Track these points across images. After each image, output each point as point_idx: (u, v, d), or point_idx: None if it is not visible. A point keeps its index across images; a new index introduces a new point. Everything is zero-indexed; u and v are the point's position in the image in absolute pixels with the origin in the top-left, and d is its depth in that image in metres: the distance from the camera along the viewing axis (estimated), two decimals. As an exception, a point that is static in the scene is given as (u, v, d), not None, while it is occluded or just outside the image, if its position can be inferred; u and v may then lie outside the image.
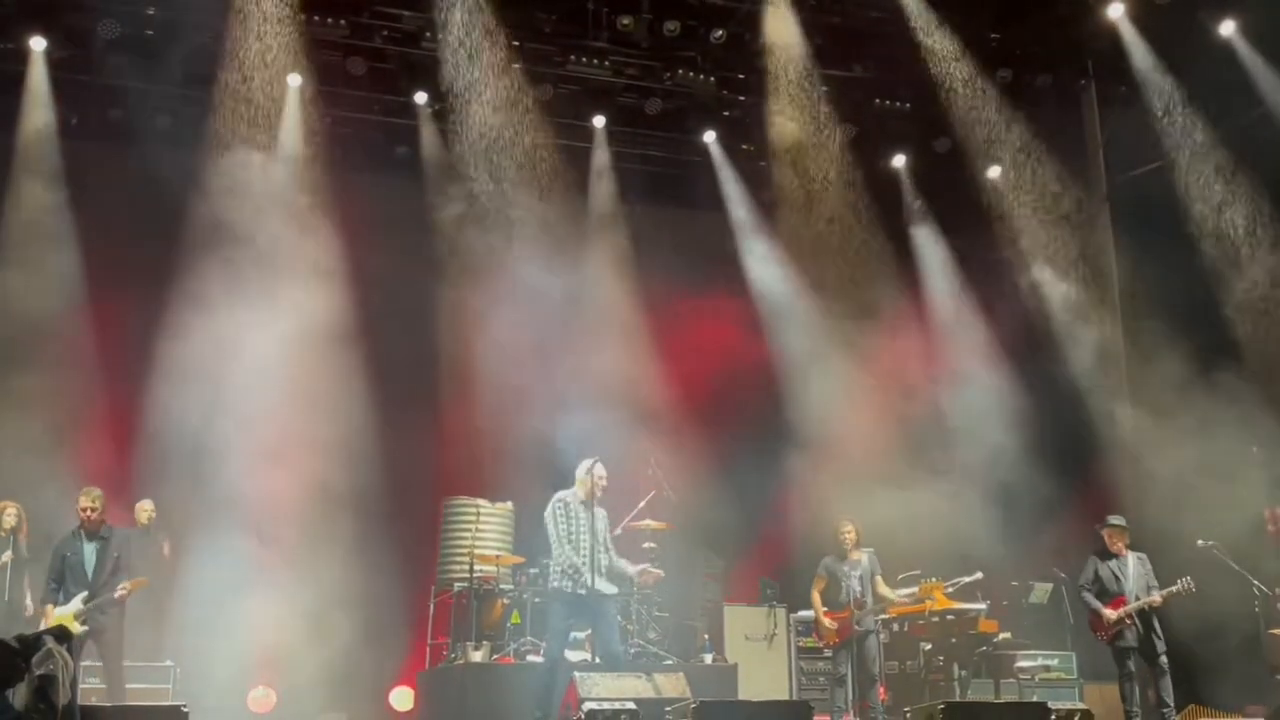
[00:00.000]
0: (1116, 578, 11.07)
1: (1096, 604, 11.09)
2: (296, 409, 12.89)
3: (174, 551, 12.32)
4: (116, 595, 10.17)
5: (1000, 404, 14.49)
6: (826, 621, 11.49)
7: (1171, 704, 10.83)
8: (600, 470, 10.13)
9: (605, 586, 9.97)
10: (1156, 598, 10.94)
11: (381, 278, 13.82)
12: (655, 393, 13.81)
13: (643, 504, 12.54)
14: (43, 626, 9.87)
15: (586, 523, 10.01)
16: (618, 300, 14.45)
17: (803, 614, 13.02)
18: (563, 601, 9.94)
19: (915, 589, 12.00)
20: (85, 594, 10.09)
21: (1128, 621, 10.94)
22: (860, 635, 11.32)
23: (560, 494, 10.15)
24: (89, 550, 10.26)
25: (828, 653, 12.30)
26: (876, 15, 14.23)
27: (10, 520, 11.10)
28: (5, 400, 12.11)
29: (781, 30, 13.97)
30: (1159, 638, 10.94)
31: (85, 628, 9.89)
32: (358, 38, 13.73)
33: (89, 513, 10.29)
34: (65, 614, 9.91)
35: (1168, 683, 10.87)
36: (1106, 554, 11.20)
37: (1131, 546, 11.27)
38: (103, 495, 10.45)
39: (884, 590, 11.68)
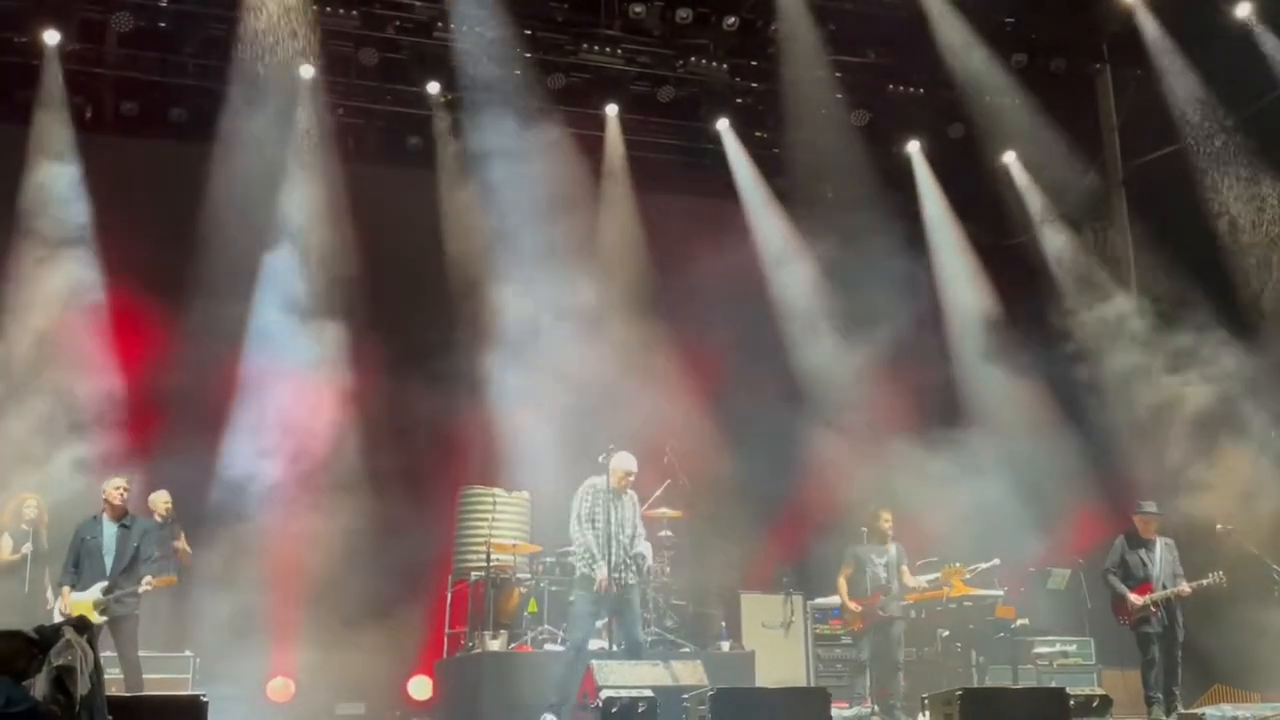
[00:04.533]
0: (1144, 564, 11.00)
1: (1122, 588, 10.99)
2: (310, 398, 12.95)
3: (190, 542, 12.34)
4: (140, 589, 10.10)
5: (1016, 389, 14.45)
6: (852, 606, 11.50)
7: (1179, 693, 10.82)
8: (615, 462, 10.15)
9: (628, 576, 9.99)
10: (1186, 588, 10.86)
11: (395, 268, 13.84)
12: (669, 380, 13.80)
13: (658, 493, 12.54)
14: (59, 608, 9.92)
15: (604, 512, 10.05)
16: (631, 289, 14.42)
17: (820, 601, 13.02)
18: (587, 589, 9.96)
19: (938, 575, 12.01)
20: (105, 584, 10.04)
21: (1153, 609, 10.87)
22: (884, 622, 11.32)
23: (592, 479, 10.24)
24: (109, 537, 10.18)
25: (846, 640, 12.32)
26: (889, 0, 14.18)
27: (30, 512, 11.16)
28: (23, 390, 12.17)
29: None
30: (1181, 628, 10.89)
31: (104, 618, 9.88)
32: (369, 28, 13.75)
33: (123, 492, 10.25)
34: (83, 601, 9.90)
35: (1179, 674, 10.86)
36: (1135, 539, 11.14)
37: (1161, 532, 11.22)
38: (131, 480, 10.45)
39: (909, 579, 11.69)
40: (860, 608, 11.44)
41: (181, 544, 12.18)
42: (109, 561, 10.13)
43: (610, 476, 10.17)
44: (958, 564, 12.02)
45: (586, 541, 10.01)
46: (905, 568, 11.65)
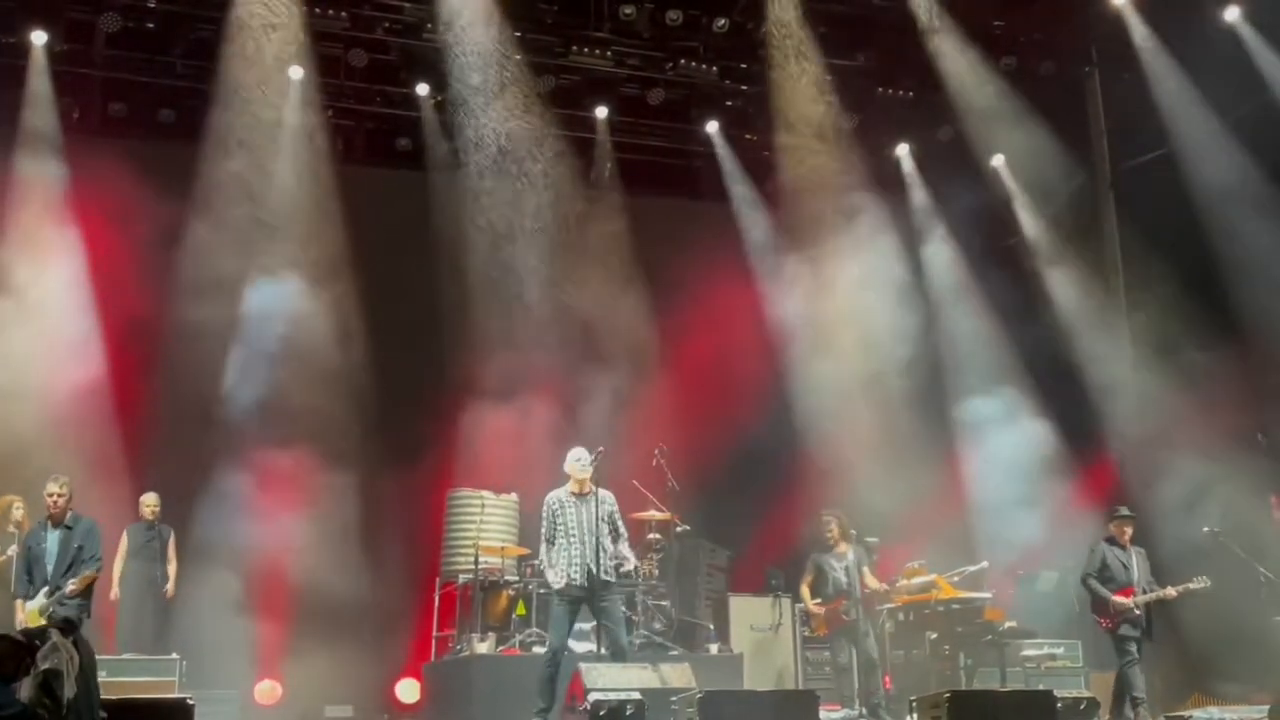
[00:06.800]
0: (1125, 567, 11.03)
1: (1105, 592, 10.96)
2: (299, 401, 12.93)
3: (178, 544, 12.30)
4: (68, 590, 9.87)
5: (1004, 392, 14.48)
6: (815, 611, 11.58)
7: (1144, 696, 10.86)
8: (572, 455, 10.04)
9: (608, 575, 9.91)
10: (1172, 591, 10.89)
11: (384, 270, 13.83)
12: (659, 382, 13.80)
13: (647, 495, 12.53)
14: (18, 621, 9.79)
15: (576, 516, 9.92)
16: (620, 291, 14.42)
17: (805, 604, 13.05)
18: (562, 593, 9.92)
19: (901, 579, 12.05)
20: (47, 588, 9.89)
21: (1136, 612, 10.88)
22: (850, 625, 11.34)
23: (550, 493, 10.08)
24: (52, 541, 10.03)
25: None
26: (880, 3, 14.20)
27: (17, 514, 11.09)
28: (10, 391, 12.14)
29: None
30: (1151, 632, 10.93)
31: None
32: (359, 30, 13.74)
33: (56, 498, 10.05)
34: (33, 610, 9.78)
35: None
36: (1114, 544, 11.17)
37: (1133, 540, 11.24)
38: (70, 482, 10.21)
39: (870, 581, 11.72)
40: (824, 613, 11.51)
41: (170, 544, 12.12)
42: (51, 566, 9.98)
43: (572, 480, 10.02)
44: (917, 563, 12.03)
45: (551, 559, 9.90)
46: (866, 569, 11.69)
